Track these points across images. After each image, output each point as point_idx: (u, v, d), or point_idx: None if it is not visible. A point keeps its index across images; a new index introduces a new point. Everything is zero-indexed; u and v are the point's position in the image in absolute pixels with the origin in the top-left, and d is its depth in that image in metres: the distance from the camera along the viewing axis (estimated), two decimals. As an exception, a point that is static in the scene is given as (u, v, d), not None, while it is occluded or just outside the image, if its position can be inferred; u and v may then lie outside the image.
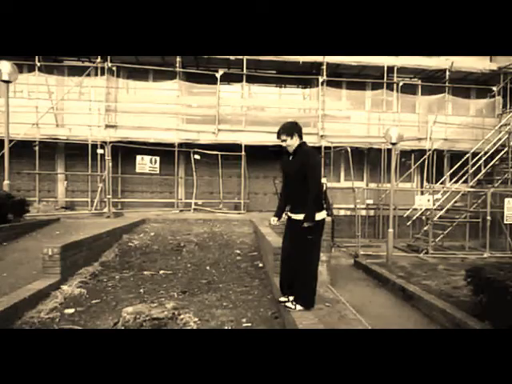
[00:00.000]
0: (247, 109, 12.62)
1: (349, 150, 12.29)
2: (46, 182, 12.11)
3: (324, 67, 12.32)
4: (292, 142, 3.63)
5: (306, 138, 3.81)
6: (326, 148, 12.36)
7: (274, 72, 13.48)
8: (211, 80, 12.06)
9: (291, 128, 3.67)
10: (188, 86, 12.27)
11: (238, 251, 6.73)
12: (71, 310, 4.30)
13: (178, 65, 11.82)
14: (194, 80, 12.32)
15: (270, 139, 11.89)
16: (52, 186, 12.27)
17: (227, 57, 11.76)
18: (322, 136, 12.39)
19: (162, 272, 5.60)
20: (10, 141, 8.57)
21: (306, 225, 3.42)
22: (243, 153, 11.97)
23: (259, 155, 12.26)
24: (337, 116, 12.90)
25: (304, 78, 13.21)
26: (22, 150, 10.84)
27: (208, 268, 5.82)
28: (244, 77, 12.23)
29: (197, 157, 12.14)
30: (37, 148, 11.02)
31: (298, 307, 3.62)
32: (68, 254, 5.16)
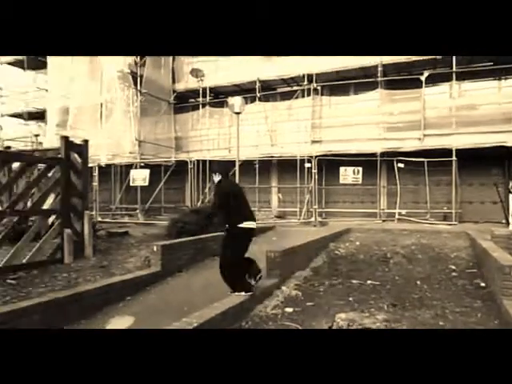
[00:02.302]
0: (457, 109, 11.39)
1: None
2: (263, 194, 14.01)
3: None
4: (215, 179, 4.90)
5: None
6: None
7: (491, 64, 11.70)
8: (414, 84, 11.48)
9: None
10: (389, 93, 12.04)
11: (452, 266, 6.17)
12: (290, 309, 4.82)
13: (379, 74, 11.77)
14: (395, 87, 12.00)
15: (486, 140, 10.43)
16: (267, 197, 14.11)
17: (433, 57, 10.98)
18: None
19: (369, 282, 5.69)
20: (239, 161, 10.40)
21: None
22: (453, 158, 10.84)
23: (473, 159, 10.85)
24: None
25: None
26: (246, 167, 12.90)
27: (418, 282, 5.57)
28: (453, 75, 11.12)
29: (401, 165, 11.69)
30: (257, 165, 12.94)
31: None
32: (285, 258, 5.81)
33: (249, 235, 4.90)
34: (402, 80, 11.97)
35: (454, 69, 11.02)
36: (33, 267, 5.96)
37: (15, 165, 6.88)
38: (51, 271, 5.98)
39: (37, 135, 16.56)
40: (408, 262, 6.54)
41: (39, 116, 17.53)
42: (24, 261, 6.00)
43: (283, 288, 5.42)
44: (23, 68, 17.87)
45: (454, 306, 4.61)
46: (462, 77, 11.45)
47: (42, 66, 16.65)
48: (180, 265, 6.36)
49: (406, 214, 11.68)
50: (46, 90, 17.03)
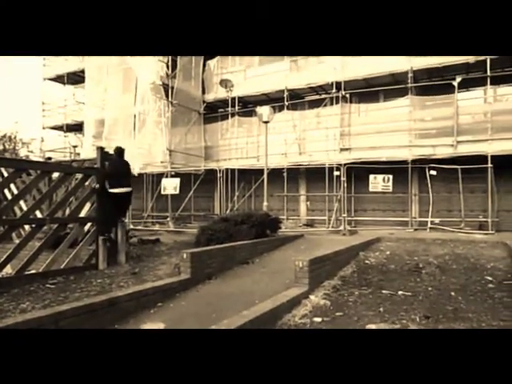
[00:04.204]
0: (492, 114, 11.01)
1: None
2: (291, 202, 14.01)
3: None
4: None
5: None
6: None
7: (528, 66, 11.29)
8: (446, 89, 11.21)
9: None
10: (420, 99, 11.81)
11: (489, 278, 5.94)
12: (319, 319, 4.77)
13: (409, 80, 11.59)
14: (426, 93, 11.78)
15: (527, 146, 10.03)
16: (296, 205, 14.09)
17: (466, 61, 10.73)
18: None
19: (400, 293, 5.56)
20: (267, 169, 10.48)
21: None
22: (489, 165, 10.46)
23: (511, 166, 10.42)
24: None
25: None
26: (274, 176, 12.97)
27: (453, 294, 5.40)
28: (488, 79, 10.78)
29: (433, 172, 11.40)
30: (285, 174, 12.98)
31: None
32: (314, 267, 5.79)
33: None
34: (433, 85, 11.72)
35: (489, 73, 10.68)
36: (70, 272, 6.23)
37: (55, 174, 7.23)
38: (86, 277, 6.22)
39: (75, 146, 17.33)
40: (441, 273, 6.35)
41: (77, 128, 18.38)
42: (62, 266, 6.28)
43: (311, 297, 5.39)
44: (63, 83, 18.84)
45: (491, 320, 4.44)
46: (496, 81, 11.07)
47: (81, 80, 17.49)
48: (209, 272, 6.45)
49: (439, 223, 11.34)
50: (84, 103, 17.86)
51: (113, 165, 7.15)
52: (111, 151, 7.48)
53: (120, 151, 7.39)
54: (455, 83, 10.99)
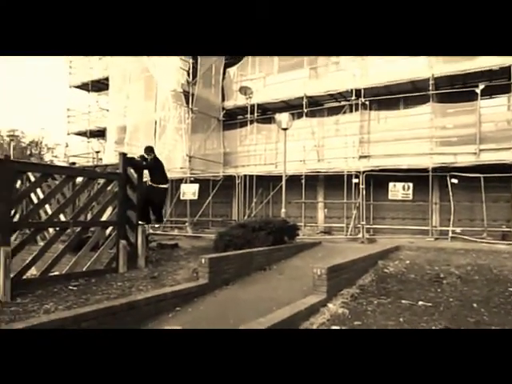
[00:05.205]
0: (516, 122, 10.77)
1: None
2: (309, 209, 13.96)
3: None
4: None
5: None
6: None
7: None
8: (468, 97, 11.03)
9: None
10: (441, 107, 11.65)
11: (513, 290, 5.79)
12: (337, 328, 4.77)
13: (430, 87, 11.45)
14: (448, 100, 11.60)
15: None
16: (313, 212, 14.03)
17: (489, 68, 10.52)
18: None
19: (420, 303, 5.47)
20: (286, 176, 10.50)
21: None
22: (514, 173, 10.21)
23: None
24: None
25: None
26: (292, 182, 12.96)
27: (475, 305, 5.27)
28: (512, 86, 10.56)
29: (454, 181, 11.19)
30: (303, 181, 12.96)
31: None
32: (332, 275, 5.74)
33: None
34: (455, 93, 11.54)
35: (514, 80, 10.48)
36: (91, 275, 6.37)
37: (79, 179, 7.44)
38: (107, 279, 6.35)
39: (98, 152, 17.79)
40: (463, 283, 6.21)
41: (100, 134, 18.87)
42: (84, 269, 6.43)
43: (330, 305, 5.34)
44: (88, 90, 19.39)
45: (515, 333, 4.32)
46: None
47: (104, 88, 17.97)
48: (226, 278, 6.49)
49: (461, 232, 11.09)
50: (107, 110, 18.32)
51: (153, 163, 7.78)
52: (135, 156, 7.68)
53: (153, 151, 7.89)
54: (478, 90, 10.80)
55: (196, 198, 13.65)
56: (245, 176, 13.98)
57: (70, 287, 5.79)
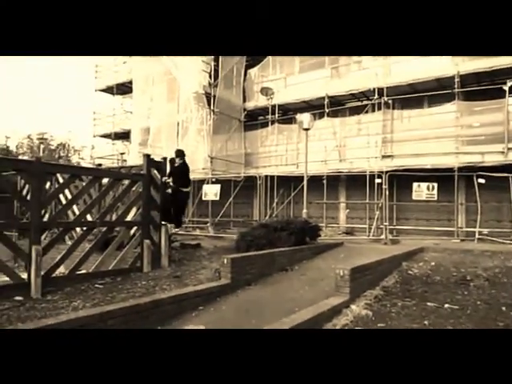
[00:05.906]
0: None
1: None
2: (331, 209, 13.85)
3: None
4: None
5: None
6: None
7: None
8: (496, 94, 10.71)
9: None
10: (467, 105, 11.35)
11: (543, 294, 5.58)
12: (360, 329, 4.73)
13: (456, 85, 11.18)
14: (474, 98, 11.29)
15: None
16: (335, 213, 13.91)
17: (517, 64, 10.18)
18: None
19: (447, 306, 5.35)
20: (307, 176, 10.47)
21: None
22: (546, 173, 9.85)
23: None
24: None
25: None
26: (313, 183, 12.89)
27: (504, 309, 5.12)
28: (543, 83, 10.19)
29: (481, 181, 10.86)
30: (325, 181, 12.88)
31: None
32: (355, 276, 5.68)
33: None
34: (481, 90, 11.21)
35: (544, 76, 10.10)
36: (117, 274, 6.54)
37: (104, 180, 7.64)
38: (132, 278, 6.50)
39: (122, 153, 18.20)
40: (491, 286, 6.04)
41: (125, 136, 19.28)
42: (110, 267, 6.60)
43: (353, 307, 5.29)
44: (112, 94, 19.87)
45: (546, 338, 4.17)
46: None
47: (129, 91, 18.37)
48: (248, 278, 6.53)
49: (488, 234, 10.76)
50: (131, 113, 18.72)
51: (179, 168, 8.09)
52: (156, 158, 7.81)
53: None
54: (506, 87, 10.46)
55: (218, 198, 13.76)
56: (266, 176, 13.99)
57: (97, 285, 5.96)
